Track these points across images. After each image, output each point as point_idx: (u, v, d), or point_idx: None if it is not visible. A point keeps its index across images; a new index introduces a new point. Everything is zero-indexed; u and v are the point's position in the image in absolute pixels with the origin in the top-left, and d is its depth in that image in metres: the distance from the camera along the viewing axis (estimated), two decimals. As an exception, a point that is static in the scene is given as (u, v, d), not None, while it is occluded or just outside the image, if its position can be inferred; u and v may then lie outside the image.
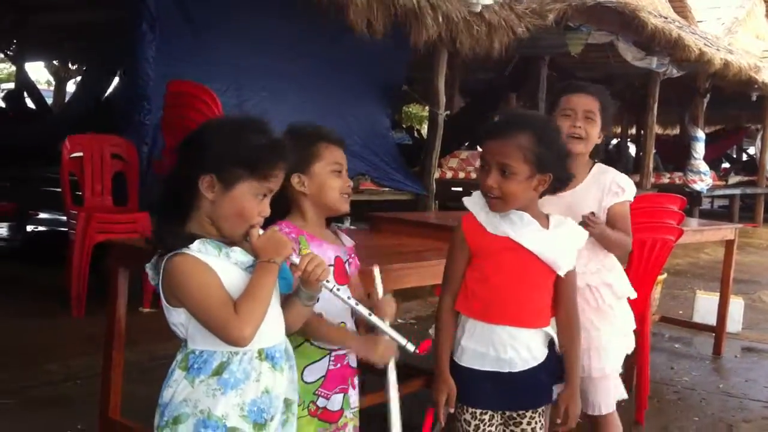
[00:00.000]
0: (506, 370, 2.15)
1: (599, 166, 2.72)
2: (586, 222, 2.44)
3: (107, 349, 2.83)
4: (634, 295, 2.77)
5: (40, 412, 3.31)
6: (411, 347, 2.04)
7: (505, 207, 2.12)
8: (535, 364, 2.18)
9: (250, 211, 1.75)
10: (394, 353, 2.09)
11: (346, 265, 2.16)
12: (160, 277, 1.72)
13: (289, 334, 1.91)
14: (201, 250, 1.70)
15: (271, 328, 1.79)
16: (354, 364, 2.19)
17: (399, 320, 5.11)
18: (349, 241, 2.23)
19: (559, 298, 2.22)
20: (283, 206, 2.13)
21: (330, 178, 2.12)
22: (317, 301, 1.91)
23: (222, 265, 1.71)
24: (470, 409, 2.18)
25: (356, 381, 2.21)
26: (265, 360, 1.77)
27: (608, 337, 2.63)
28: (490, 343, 2.15)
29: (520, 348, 2.16)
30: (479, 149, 2.32)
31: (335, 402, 2.14)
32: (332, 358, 2.12)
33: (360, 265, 2.26)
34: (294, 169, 2.10)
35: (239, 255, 1.75)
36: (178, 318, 1.73)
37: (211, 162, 1.72)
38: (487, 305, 2.15)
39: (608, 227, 2.58)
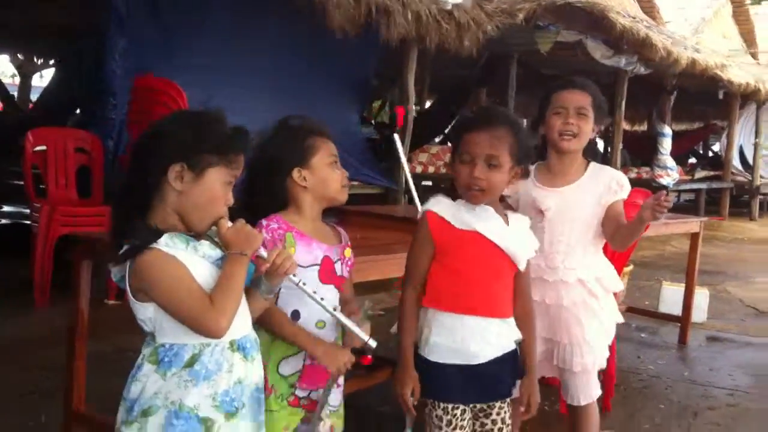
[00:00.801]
0: (475, 362, 2.15)
1: (595, 165, 2.73)
2: (659, 203, 2.38)
3: (71, 341, 2.80)
4: (620, 288, 2.77)
5: (4, 404, 3.26)
6: (373, 343, 2.02)
7: (486, 198, 2.15)
8: (501, 353, 2.19)
9: (219, 199, 1.75)
10: (347, 368, 2.07)
11: (337, 265, 2.14)
12: (127, 274, 1.70)
13: (252, 319, 1.88)
14: (169, 245, 1.68)
15: (241, 319, 1.78)
16: None
17: (368, 312, 5.09)
18: (345, 238, 2.22)
19: (517, 291, 2.25)
20: (279, 201, 2.14)
21: (330, 170, 2.14)
22: (275, 295, 1.92)
23: (190, 258, 1.70)
24: (442, 405, 2.17)
25: (341, 379, 2.18)
26: (236, 351, 1.77)
27: (593, 334, 2.63)
28: (460, 336, 2.14)
29: (490, 337, 2.16)
30: (449, 144, 2.32)
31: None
32: (308, 354, 2.09)
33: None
34: (293, 163, 2.11)
35: (207, 248, 1.75)
36: (145, 313, 1.72)
37: (179, 151, 1.71)
38: (456, 297, 2.15)
39: (610, 222, 2.60)
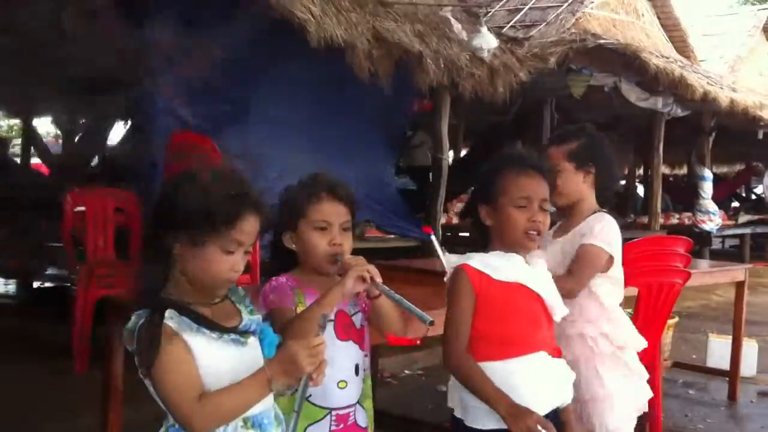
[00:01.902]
0: None
1: (597, 214, 2.67)
2: None
3: (104, 409, 2.79)
4: (641, 345, 2.69)
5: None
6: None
7: (541, 241, 2.17)
8: (549, 409, 2.11)
9: (219, 266, 1.67)
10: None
11: (356, 317, 2.10)
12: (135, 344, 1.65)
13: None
14: (174, 319, 1.62)
15: None
16: (364, 423, 2.11)
17: (406, 371, 5.03)
18: None
19: None
20: (289, 262, 2.11)
21: (315, 236, 2.06)
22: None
23: (199, 339, 1.63)
24: None
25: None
26: (251, 428, 1.69)
27: (612, 388, 2.55)
28: (511, 390, 2.06)
29: (542, 377, 2.10)
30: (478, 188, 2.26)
31: None
32: (333, 418, 2.04)
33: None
34: (284, 227, 2.08)
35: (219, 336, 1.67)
36: (151, 389, 1.66)
37: (177, 218, 1.66)
38: (505, 344, 2.09)
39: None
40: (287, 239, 2.08)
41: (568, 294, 2.43)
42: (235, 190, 1.69)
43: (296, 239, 2.07)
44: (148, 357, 1.59)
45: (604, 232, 2.62)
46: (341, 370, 2.05)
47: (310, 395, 2.01)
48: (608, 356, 2.58)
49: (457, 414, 2.13)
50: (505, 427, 2.05)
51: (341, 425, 2.05)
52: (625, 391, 2.60)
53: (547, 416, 2.12)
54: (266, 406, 1.73)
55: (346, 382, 2.05)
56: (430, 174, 7.52)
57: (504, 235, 2.14)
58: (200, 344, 1.63)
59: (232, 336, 1.68)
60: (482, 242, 2.20)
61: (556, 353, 2.19)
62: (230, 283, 1.72)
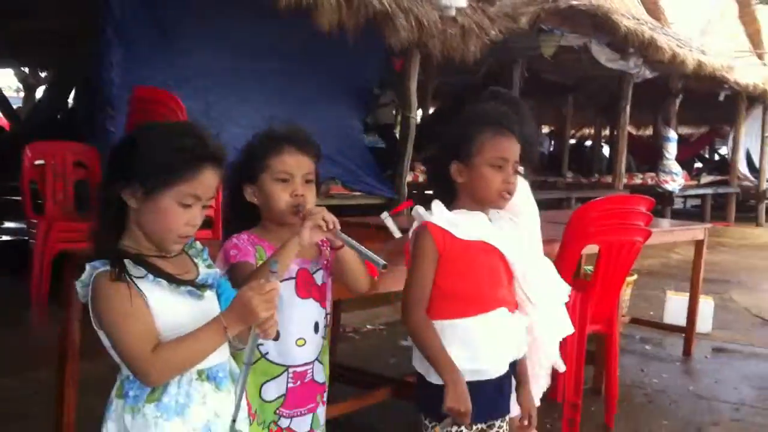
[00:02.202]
0: (485, 378, 2.10)
1: None
2: None
3: (61, 362, 2.75)
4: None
5: (-5, 428, 3.23)
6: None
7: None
8: (504, 371, 2.14)
9: (175, 220, 1.63)
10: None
11: (318, 275, 2.07)
12: (89, 297, 1.62)
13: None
14: (131, 269, 1.59)
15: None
16: (321, 378, 2.10)
17: (368, 326, 5.06)
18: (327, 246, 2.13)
19: None
20: (248, 218, 2.07)
21: (276, 188, 2.00)
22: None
23: (155, 288, 1.61)
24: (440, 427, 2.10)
25: (325, 397, 2.13)
26: (206, 380, 1.67)
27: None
28: (473, 346, 2.08)
29: (508, 335, 2.14)
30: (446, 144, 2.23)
31: (303, 423, 2.06)
32: (290, 375, 2.03)
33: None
34: (244, 179, 2.04)
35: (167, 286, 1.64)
36: (105, 341, 1.63)
37: (133, 169, 1.61)
38: (466, 301, 2.10)
39: None
40: (248, 193, 2.03)
41: None
42: (193, 141, 1.64)
43: (257, 192, 2.03)
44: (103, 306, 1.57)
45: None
46: (300, 328, 2.03)
47: (267, 353, 2.00)
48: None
49: (420, 370, 2.14)
50: (470, 379, 2.07)
51: (298, 382, 2.04)
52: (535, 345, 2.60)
53: (506, 373, 2.15)
54: (221, 359, 1.71)
55: (304, 339, 2.04)
56: (397, 132, 7.50)
57: (476, 194, 2.13)
58: (156, 295, 1.61)
59: (188, 288, 1.66)
60: (447, 198, 2.18)
61: (514, 307, 2.21)
62: (186, 239, 1.68)
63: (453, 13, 6.58)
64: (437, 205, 2.16)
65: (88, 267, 1.61)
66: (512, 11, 7.40)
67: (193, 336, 1.59)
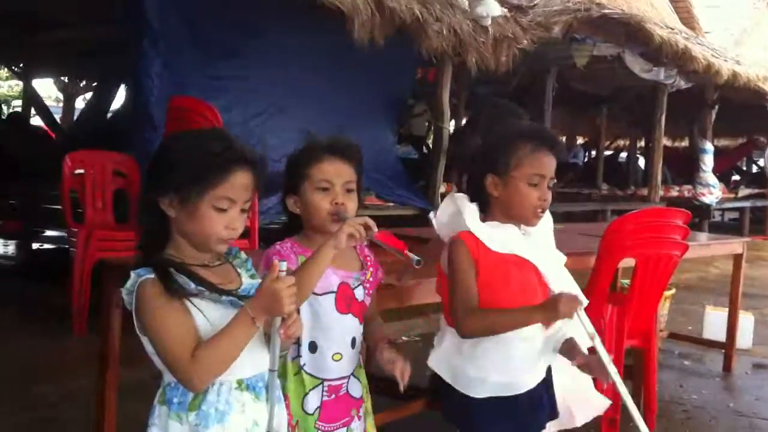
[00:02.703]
0: (520, 391, 2.11)
1: None
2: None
3: (101, 369, 2.79)
4: None
5: (36, 434, 3.27)
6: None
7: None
8: (536, 383, 2.13)
9: (212, 225, 1.65)
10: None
11: (358, 291, 2.08)
12: (133, 305, 1.65)
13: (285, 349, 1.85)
14: (171, 277, 1.61)
15: (254, 357, 1.71)
16: (357, 393, 2.11)
17: (404, 337, 5.06)
18: (372, 260, 2.15)
19: None
20: (295, 225, 2.10)
21: (316, 197, 2.02)
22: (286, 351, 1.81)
23: (196, 299, 1.63)
24: None
25: (362, 411, 2.13)
26: (246, 390, 1.69)
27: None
28: (507, 365, 2.08)
29: (538, 356, 2.12)
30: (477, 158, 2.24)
31: None
32: (325, 389, 2.04)
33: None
34: (288, 189, 2.06)
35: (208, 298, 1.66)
36: (148, 347, 1.66)
37: (167, 179, 1.64)
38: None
39: None
40: (291, 203, 2.06)
41: None
42: (220, 145, 1.66)
43: (299, 202, 2.04)
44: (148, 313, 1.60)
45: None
46: (337, 343, 2.04)
47: (305, 365, 2.02)
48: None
49: (447, 379, 2.14)
50: (497, 395, 2.05)
51: (333, 395, 2.05)
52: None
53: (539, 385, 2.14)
54: (260, 369, 1.72)
55: (341, 354, 2.05)
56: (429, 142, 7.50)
57: (511, 209, 2.13)
58: (198, 305, 1.63)
59: (230, 298, 1.67)
60: (481, 210, 2.18)
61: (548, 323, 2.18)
62: (227, 242, 1.69)
63: (488, 22, 6.58)
64: (469, 208, 2.15)
65: (132, 274, 1.64)
66: (545, 20, 7.37)
67: (224, 333, 1.60)
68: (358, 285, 2.08)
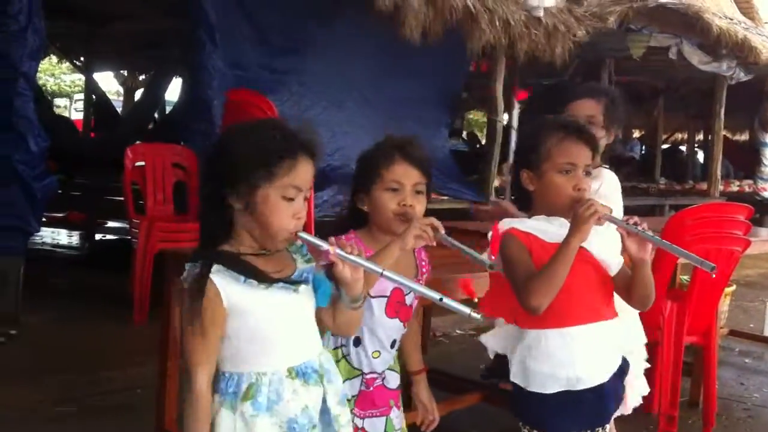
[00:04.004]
0: (580, 387, 2.08)
1: (598, 171, 2.63)
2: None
3: (162, 359, 2.85)
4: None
5: (99, 420, 3.38)
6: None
7: None
8: (604, 379, 2.11)
9: (282, 215, 1.65)
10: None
11: (407, 296, 2.12)
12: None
13: (349, 335, 1.92)
14: (219, 275, 1.63)
15: (301, 346, 1.74)
16: (394, 384, 2.17)
17: (458, 330, 5.07)
18: (425, 262, 2.19)
19: (621, 285, 2.14)
20: (360, 220, 2.14)
21: (384, 197, 2.07)
22: (363, 302, 1.79)
23: (246, 290, 1.65)
24: None
25: (400, 402, 2.20)
26: (296, 378, 1.71)
27: None
28: (567, 359, 2.06)
29: (599, 348, 2.09)
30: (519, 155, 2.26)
31: (376, 426, 2.13)
32: (363, 380, 2.12)
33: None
34: (363, 185, 2.11)
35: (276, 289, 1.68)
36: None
37: (232, 171, 1.65)
38: (560, 311, 2.04)
39: None
40: (360, 200, 2.11)
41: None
42: (284, 134, 1.67)
43: (368, 200, 2.09)
44: (190, 309, 1.64)
45: (611, 186, 2.68)
46: (381, 343, 2.12)
47: (349, 354, 2.10)
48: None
49: (518, 381, 2.11)
50: (566, 389, 2.06)
51: (371, 387, 2.13)
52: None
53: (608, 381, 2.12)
54: (309, 357, 1.75)
55: (379, 353, 2.13)
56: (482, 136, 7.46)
57: (548, 201, 2.11)
58: (247, 296, 1.65)
59: (281, 285, 1.69)
60: (525, 206, 2.19)
61: (612, 314, 2.15)
62: (295, 231, 1.68)
63: (541, 13, 6.51)
64: (518, 219, 2.16)
65: (187, 267, 1.68)
66: (600, 10, 7.26)
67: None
68: (410, 291, 2.11)
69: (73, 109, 23.31)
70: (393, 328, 2.12)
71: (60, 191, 5.15)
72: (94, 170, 7.44)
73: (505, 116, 8.57)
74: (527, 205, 2.18)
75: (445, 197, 7.10)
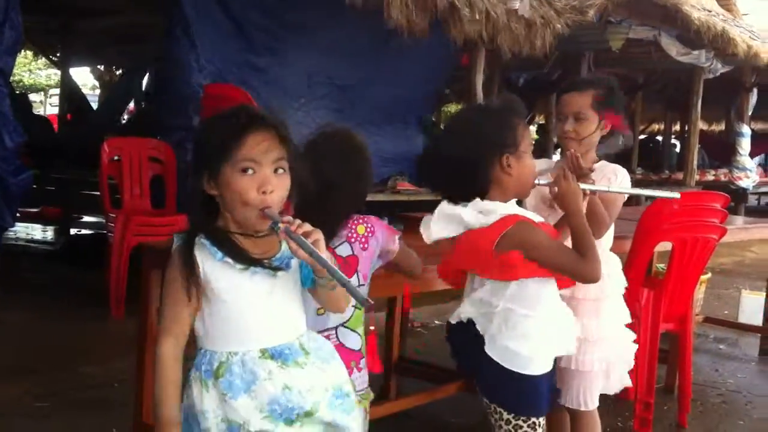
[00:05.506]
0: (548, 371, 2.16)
1: (613, 165, 2.71)
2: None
3: (140, 352, 2.83)
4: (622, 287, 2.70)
5: (76, 415, 3.34)
6: (364, 297, 1.75)
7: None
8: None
9: (243, 189, 1.65)
10: None
11: (338, 249, 2.12)
12: None
13: (340, 311, 1.87)
14: (198, 247, 1.69)
15: (278, 328, 1.74)
16: (355, 346, 2.17)
17: (436, 321, 5.08)
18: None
19: None
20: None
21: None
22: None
23: (220, 267, 1.67)
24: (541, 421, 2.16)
25: (362, 363, 2.19)
26: (270, 359, 1.70)
27: (608, 331, 2.59)
28: (558, 332, 2.17)
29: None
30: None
31: None
32: None
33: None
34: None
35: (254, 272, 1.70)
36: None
37: (201, 161, 1.70)
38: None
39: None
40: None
41: (599, 235, 2.44)
42: (237, 112, 1.68)
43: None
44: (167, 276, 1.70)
45: (625, 181, 2.70)
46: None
47: None
48: (607, 298, 2.59)
49: (504, 364, 2.11)
50: (550, 367, 2.15)
51: None
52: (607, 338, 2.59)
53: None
54: (287, 339, 1.73)
55: (324, 309, 2.05)
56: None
57: (521, 183, 2.17)
58: (221, 273, 1.67)
59: (257, 269, 1.69)
60: (470, 195, 2.15)
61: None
62: (262, 207, 1.65)
63: (517, 5, 6.51)
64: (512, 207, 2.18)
65: (175, 237, 1.73)
66: (579, 3, 7.28)
67: None
68: (341, 243, 2.12)
69: (48, 104, 23.08)
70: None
71: (34, 185, 5.07)
72: (67, 164, 7.35)
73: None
74: (474, 193, 2.16)
75: (425, 188, 7.11)
